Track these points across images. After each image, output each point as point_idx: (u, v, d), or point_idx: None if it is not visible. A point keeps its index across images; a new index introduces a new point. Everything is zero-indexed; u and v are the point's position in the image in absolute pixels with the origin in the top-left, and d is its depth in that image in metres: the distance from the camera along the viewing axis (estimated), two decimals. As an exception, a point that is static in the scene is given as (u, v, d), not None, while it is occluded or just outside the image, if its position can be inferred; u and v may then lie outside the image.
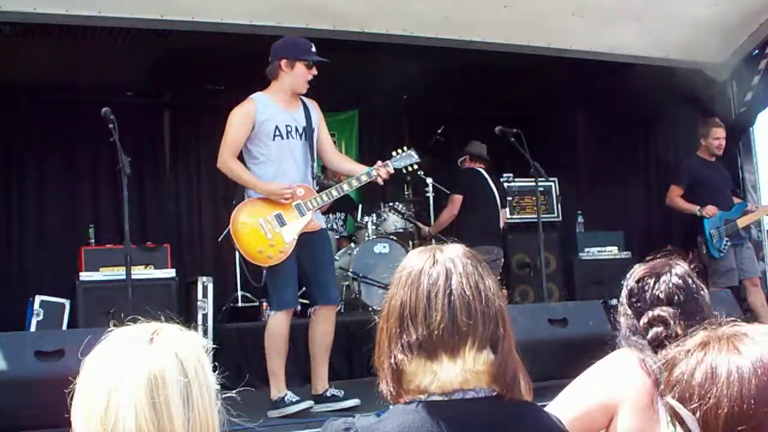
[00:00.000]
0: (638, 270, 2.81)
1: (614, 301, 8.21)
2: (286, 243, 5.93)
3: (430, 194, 9.73)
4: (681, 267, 2.79)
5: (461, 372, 1.99)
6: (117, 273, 7.39)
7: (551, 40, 8.68)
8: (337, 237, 9.48)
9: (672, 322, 2.62)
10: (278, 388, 5.93)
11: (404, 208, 9.46)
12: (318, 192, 6.16)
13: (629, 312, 2.75)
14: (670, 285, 2.71)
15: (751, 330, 1.72)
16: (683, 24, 8.49)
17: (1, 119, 8.96)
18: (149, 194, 9.95)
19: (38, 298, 7.99)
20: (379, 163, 6.26)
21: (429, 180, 9.67)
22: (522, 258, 9.98)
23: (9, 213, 9.48)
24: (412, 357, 2.00)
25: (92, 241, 8.64)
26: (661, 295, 2.70)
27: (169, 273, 7.92)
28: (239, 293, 8.88)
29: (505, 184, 9.57)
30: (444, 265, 2.05)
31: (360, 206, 9.62)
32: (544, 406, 2.37)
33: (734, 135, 9.40)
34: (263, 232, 5.92)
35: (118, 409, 1.63)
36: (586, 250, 10.02)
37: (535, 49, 8.72)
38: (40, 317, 7.92)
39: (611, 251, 10.06)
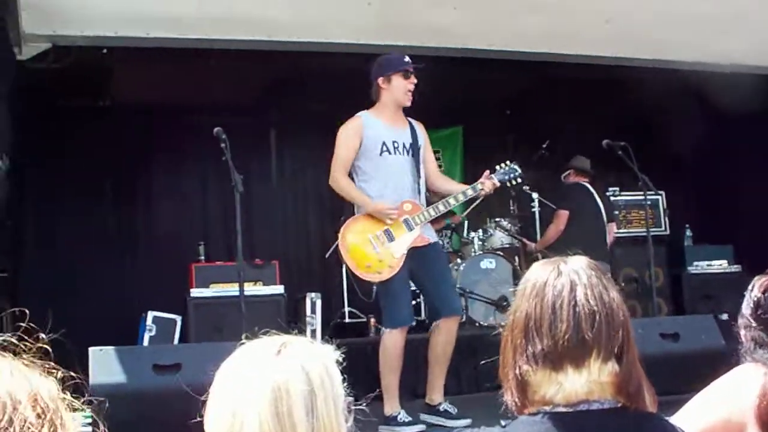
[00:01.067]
0: (762, 280, 2.70)
1: (725, 316, 8.01)
2: (395, 258, 5.95)
3: (536, 209, 9.68)
4: None
5: (586, 383, 2.00)
6: (227, 289, 7.53)
7: (654, 51, 8.60)
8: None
9: None
10: (392, 405, 5.95)
11: (510, 223, 9.43)
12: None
13: (754, 324, 2.65)
14: None
15: None
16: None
17: (113, 139, 9.20)
18: (257, 212, 10.07)
19: (151, 314, 8.13)
20: (486, 174, 6.25)
21: (534, 195, 9.62)
22: (629, 273, 9.84)
23: (121, 231, 9.71)
24: (537, 368, 2.01)
25: (202, 258, 8.78)
26: None
27: (278, 289, 8.01)
28: (346, 309, 8.96)
29: (611, 198, 9.47)
30: (568, 277, 2.07)
31: (466, 222, 9.59)
32: (665, 420, 2.35)
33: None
34: (372, 248, 5.96)
35: (243, 420, 1.65)
36: (695, 263, 9.85)
37: (638, 62, 8.66)
38: (153, 332, 8.06)
39: (721, 265, 9.87)
